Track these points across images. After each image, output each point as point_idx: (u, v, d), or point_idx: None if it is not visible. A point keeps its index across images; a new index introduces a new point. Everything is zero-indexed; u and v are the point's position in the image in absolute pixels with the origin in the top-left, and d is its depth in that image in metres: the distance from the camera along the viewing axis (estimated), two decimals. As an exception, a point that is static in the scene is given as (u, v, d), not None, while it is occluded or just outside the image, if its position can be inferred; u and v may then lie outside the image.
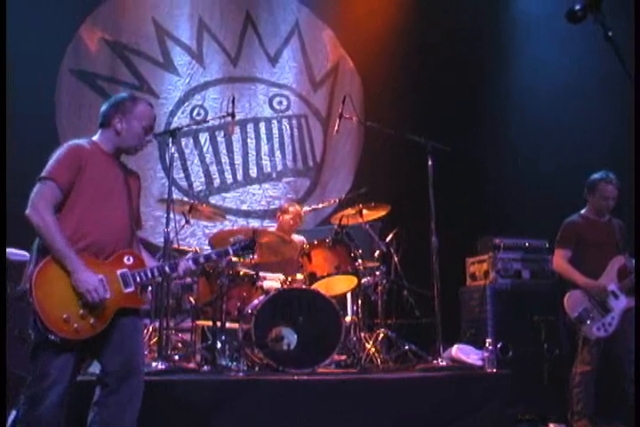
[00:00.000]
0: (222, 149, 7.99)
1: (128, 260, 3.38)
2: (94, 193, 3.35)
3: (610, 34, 2.50)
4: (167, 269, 3.47)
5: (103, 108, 3.54)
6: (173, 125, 7.47)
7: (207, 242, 6.00)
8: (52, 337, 3.12)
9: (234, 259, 5.57)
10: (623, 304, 5.04)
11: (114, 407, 3.30)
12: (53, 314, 3.13)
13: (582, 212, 5.43)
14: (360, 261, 5.61)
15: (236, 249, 3.68)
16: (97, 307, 3.20)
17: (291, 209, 6.49)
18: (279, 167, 8.17)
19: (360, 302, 5.71)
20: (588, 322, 5.00)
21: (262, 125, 8.18)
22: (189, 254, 3.56)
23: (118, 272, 3.32)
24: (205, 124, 7.77)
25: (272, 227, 6.81)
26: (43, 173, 3.30)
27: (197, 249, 5.91)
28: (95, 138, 3.52)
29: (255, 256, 5.48)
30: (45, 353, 3.20)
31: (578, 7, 2.55)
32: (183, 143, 7.82)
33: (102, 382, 3.34)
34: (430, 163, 5.70)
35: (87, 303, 3.18)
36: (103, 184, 3.40)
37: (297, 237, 6.49)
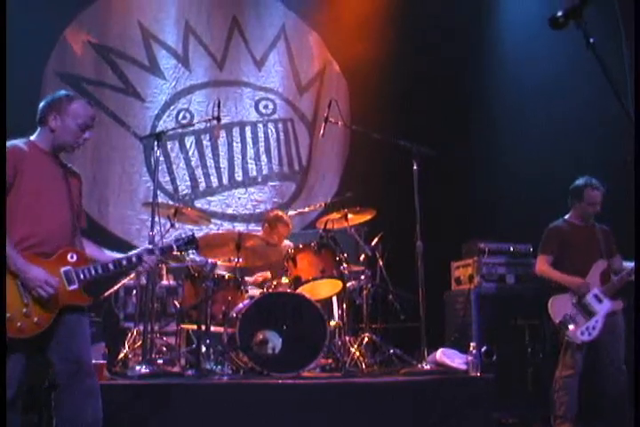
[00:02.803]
0: (208, 152, 7.98)
1: (72, 257, 3.38)
2: (36, 194, 3.35)
3: (591, 41, 2.51)
4: (125, 262, 3.47)
5: (40, 105, 3.54)
6: (159, 129, 7.46)
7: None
8: None
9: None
10: (607, 308, 5.06)
11: (69, 406, 3.32)
12: None
13: (566, 217, 5.41)
14: (345, 265, 5.62)
15: (180, 244, 3.70)
16: (41, 304, 3.21)
17: (280, 225, 6.33)
18: (265, 171, 8.17)
19: (345, 306, 5.71)
20: (572, 326, 5.01)
21: (248, 129, 8.17)
22: (142, 248, 3.56)
23: (61, 270, 3.33)
24: (191, 128, 7.80)
25: (258, 231, 6.79)
26: None
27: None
28: (33, 137, 3.51)
29: (198, 250, 5.43)
30: None
31: (560, 14, 2.56)
32: (169, 147, 7.79)
33: (55, 383, 3.34)
34: (415, 167, 5.73)
35: (34, 300, 3.18)
36: (44, 183, 3.41)
37: (286, 242, 6.44)
